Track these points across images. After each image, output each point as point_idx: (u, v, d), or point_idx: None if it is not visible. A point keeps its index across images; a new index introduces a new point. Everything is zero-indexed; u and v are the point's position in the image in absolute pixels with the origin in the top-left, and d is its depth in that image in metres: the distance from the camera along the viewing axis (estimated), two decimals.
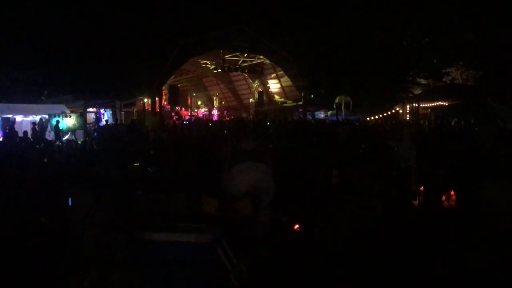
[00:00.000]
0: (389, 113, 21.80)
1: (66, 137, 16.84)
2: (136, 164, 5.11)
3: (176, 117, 25.88)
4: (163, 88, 24.79)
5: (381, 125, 17.49)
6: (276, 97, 30.79)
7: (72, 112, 18.70)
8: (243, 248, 3.17)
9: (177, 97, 27.34)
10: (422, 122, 18.09)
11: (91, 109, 21.42)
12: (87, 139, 15.79)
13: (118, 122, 21.10)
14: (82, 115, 19.14)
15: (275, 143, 8.90)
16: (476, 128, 13.04)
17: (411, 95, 21.98)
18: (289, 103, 28.73)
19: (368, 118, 21.01)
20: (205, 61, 26.51)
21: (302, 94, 25.62)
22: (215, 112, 29.86)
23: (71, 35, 20.56)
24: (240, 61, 27.42)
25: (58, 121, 16.77)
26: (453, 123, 16.44)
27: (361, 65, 20.33)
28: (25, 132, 14.28)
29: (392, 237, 4.19)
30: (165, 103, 26.40)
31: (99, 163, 6.52)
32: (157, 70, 22.03)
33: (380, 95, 20.70)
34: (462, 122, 16.13)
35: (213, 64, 26.40)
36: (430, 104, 20.43)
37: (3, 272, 3.62)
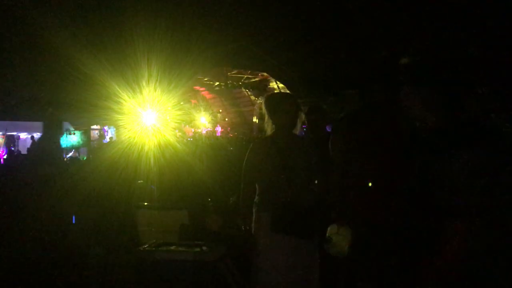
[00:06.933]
0: None
1: (70, 154, 16.89)
2: (140, 181, 5.11)
3: (180, 133, 25.85)
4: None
5: None
6: None
7: (76, 129, 18.75)
8: (248, 266, 3.13)
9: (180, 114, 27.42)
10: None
11: (95, 126, 21.47)
12: (90, 156, 15.83)
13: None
14: (86, 132, 19.17)
15: None
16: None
17: None
18: None
19: None
20: (207, 78, 26.59)
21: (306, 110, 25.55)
22: (218, 128, 29.89)
23: (73, 52, 20.65)
24: (244, 78, 27.47)
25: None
26: None
27: (365, 80, 20.40)
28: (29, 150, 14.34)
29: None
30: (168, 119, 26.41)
31: (102, 180, 6.52)
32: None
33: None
34: None
35: (216, 81, 26.46)
36: None
37: None
